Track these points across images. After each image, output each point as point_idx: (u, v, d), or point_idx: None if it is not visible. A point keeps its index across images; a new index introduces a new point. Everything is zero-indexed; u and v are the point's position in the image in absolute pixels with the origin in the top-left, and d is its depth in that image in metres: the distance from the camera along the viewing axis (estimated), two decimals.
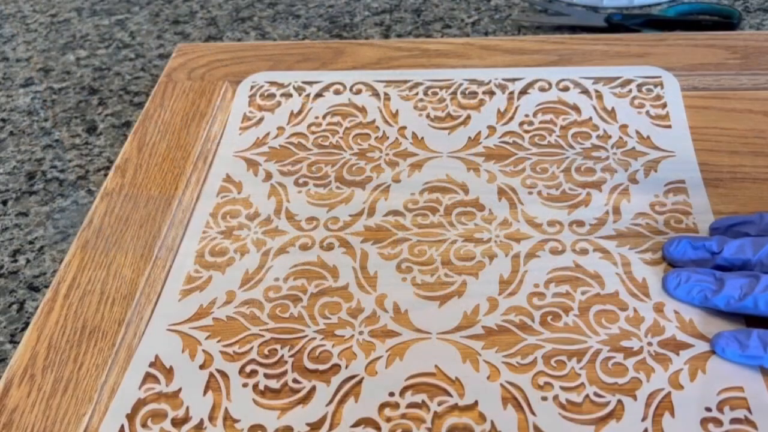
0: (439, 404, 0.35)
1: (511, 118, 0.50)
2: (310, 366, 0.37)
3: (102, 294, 0.41)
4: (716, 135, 0.48)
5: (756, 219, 0.40)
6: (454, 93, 0.52)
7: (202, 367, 0.38)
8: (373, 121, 0.51)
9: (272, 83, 0.54)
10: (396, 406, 0.35)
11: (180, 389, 0.37)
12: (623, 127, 0.49)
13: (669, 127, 0.48)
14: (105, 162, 0.59)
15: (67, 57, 0.71)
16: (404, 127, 0.50)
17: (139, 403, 0.37)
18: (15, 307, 0.48)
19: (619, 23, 0.66)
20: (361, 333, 0.39)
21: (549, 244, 0.42)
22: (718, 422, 0.34)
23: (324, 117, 0.52)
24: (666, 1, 0.69)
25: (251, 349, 0.38)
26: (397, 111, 0.51)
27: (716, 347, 0.36)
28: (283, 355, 0.38)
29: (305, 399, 0.36)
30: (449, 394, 0.36)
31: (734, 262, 0.38)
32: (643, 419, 0.34)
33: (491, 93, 0.52)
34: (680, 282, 0.38)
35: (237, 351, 0.38)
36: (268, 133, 0.51)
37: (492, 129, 0.49)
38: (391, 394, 0.36)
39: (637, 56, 0.53)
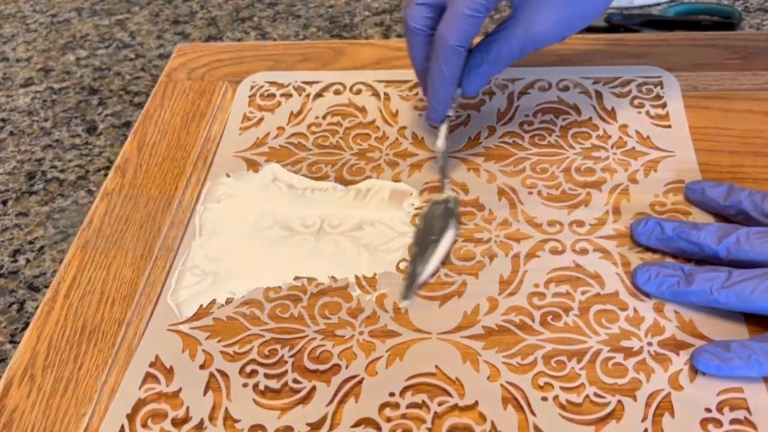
0: (440, 404, 0.35)
1: (511, 118, 0.50)
2: (311, 366, 0.37)
3: (102, 294, 0.41)
4: (716, 135, 0.48)
5: (725, 190, 0.42)
6: None
7: (202, 367, 0.38)
8: (373, 121, 0.51)
9: (272, 83, 0.54)
10: (396, 406, 0.35)
11: (180, 389, 0.37)
12: (623, 127, 0.49)
13: (669, 127, 0.48)
14: (105, 162, 0.59)
15: (67, 57, 0.71)
16: (404, 127, 0.50)
17: (140, 403, 0.37)
18: (15, 307, 0.48)
19: (619, 23, 0.66)
20: (361, 333, 0.39)
21: (549, 244, 0.42)
22: (718, 423, 0.34)
23: (324, 117, 0.52)
24: (666, 1, 0.69)
25: (251, 349, 0.38)
26: (397, 111, 0.51)
27: (699, 365, 0.35)
28: (283, 355, 0.38)
29: (305, 399, 0.36)
30: (449, 395, 0.36)
31: (703, 248, 0.39)
32: (643, 420, 0.34)
33: (491, 93, 0.52)
34: (650, 277, 0.39)
35: (237, 351, 0.38)
36: (268, 133, 0.51)
37: (492, 129, 0.49)
38: (392, 395, 0.36)
39: (637, 56, 0.53)
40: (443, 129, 0.46)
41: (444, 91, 0.43)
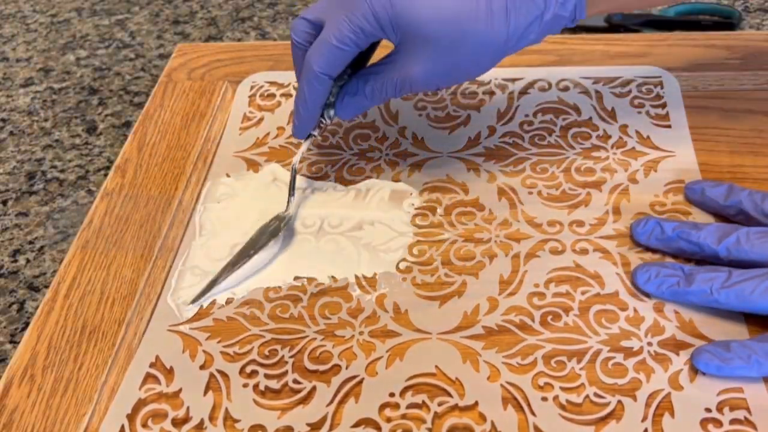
0: (440, 404, 0.35)
1: (511, 118, 0.50)
2: (311, 366, 0.37)
3: (102, 294, 0.41)
4: (716, 135, 0.48)
5: (725, 190, 0.42)
6: (454, 93, 0.52)
7: (202, 367, 0.38)
8: (374, 121, 0.51)
9: (272, 83, 0.54)
10: (396, 406, 0.35)
11: (180, 389, 0.37)
12: (623, 127, 0.49)
13: (669, 127, 0.48)
14: (105, 162, 0.59)
15: (67, 57, 0.71)
16: (404, 127, 0.50)
17: (140, 404, 0.37)
18: (15, 307, 0.48)
19: (619, 23, 0.66)
20: (361, 333, 0.39)
21: (549, 244, 0.42)
22: (718, 423, 0.34)
23: None
24: None
25: (251, 349, 0.38)
26: (397, 111, 0.51)
27: (699, 365, 0.35)
28: (283, 356, 0.38)
29: (305, 399, 0.36)
30: (449, 395, 0.36)
31: (703, 248, 0.39)
32: (643, 420, 0.34)
33: (491, 93, 0.52)
34: (650, 277, 0.39)
35: (237, 351, 0.38)
36: (268, 133, 0.51)
37: (492, 129, 0.49)
38: (392, 395, 0.36)
39: (637, 56, 0.53)
40: (303, 146, 0.45)
41: (305, 113, 0.43)
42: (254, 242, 0.42)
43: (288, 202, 0.44)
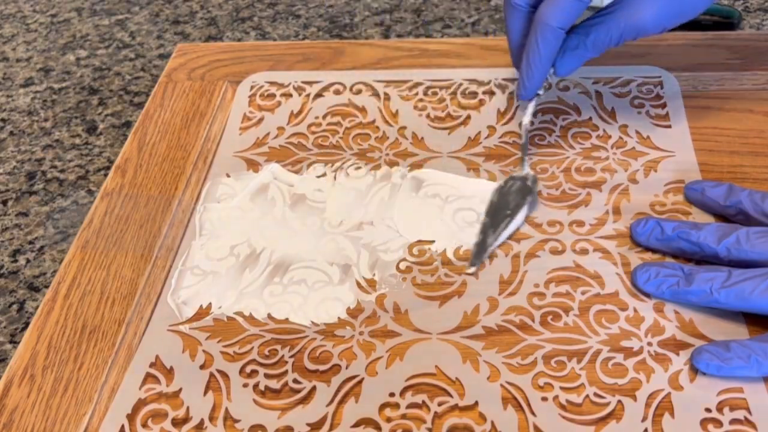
0: (440, 404, 0.35)
1: (511, 118, 0.50)
2: (311, 366, 0.37)
3: (102, 294, 0.41)
4: (716, 135, 0.48)
5: (725, 190, 0.42)
6: (454, 93, 0.52)
7: (202, 367, 0.38)
8: (373, 121, 0.51)
9: (272, 83, 0.54)
10: (396, 406, 0.35)
11: (180, 389, 0.37)
12: (623, 127, 0.49)
13: (669, 127, 0.48)
14: (105, 162, 0.59)
15: (67, 57, 0.71)
16: (404, 127, 0.50)
17: (140, 404, 0.37)
18: (15, 307, 0.48)
19: None
20: (361, 333, 0.39)
21: (549, 244, 0.42)
22: (718, 423, 0.34)
23: (324, 117, 0.52)
24: None
25: (251, 349, 0.38)
26: (397, 111, 0.52)
27: (699, 365, 0.35)
28: (283, 356, 0.38)
29: (306, 399, 0.36)
30: (449, 395, 0.36)
31: (703, 248, 0.39)
32: (643, 420, 0.34)
33: (491, 93, 0.52)
34: (650, 277, 0.39)
35: (237, 351, 0.38)
36: (268, 133, 0.51)
37: (492, 129, 0.49)
38: (392, 395, 0.36)
39: (637, 56, 0.53)
40: (531, 106, 0.47)
41: (538, 71, 0.44)
42: (503, 203, 0.44)
43: (523, 162, 0.46)
